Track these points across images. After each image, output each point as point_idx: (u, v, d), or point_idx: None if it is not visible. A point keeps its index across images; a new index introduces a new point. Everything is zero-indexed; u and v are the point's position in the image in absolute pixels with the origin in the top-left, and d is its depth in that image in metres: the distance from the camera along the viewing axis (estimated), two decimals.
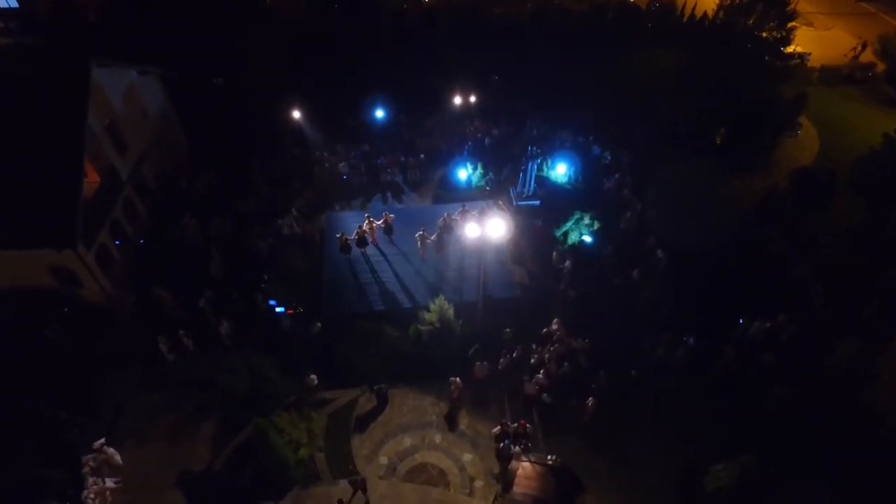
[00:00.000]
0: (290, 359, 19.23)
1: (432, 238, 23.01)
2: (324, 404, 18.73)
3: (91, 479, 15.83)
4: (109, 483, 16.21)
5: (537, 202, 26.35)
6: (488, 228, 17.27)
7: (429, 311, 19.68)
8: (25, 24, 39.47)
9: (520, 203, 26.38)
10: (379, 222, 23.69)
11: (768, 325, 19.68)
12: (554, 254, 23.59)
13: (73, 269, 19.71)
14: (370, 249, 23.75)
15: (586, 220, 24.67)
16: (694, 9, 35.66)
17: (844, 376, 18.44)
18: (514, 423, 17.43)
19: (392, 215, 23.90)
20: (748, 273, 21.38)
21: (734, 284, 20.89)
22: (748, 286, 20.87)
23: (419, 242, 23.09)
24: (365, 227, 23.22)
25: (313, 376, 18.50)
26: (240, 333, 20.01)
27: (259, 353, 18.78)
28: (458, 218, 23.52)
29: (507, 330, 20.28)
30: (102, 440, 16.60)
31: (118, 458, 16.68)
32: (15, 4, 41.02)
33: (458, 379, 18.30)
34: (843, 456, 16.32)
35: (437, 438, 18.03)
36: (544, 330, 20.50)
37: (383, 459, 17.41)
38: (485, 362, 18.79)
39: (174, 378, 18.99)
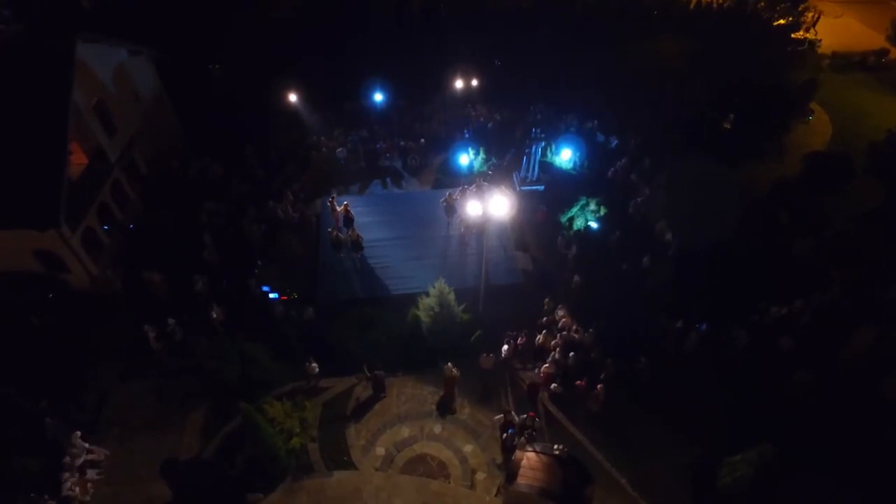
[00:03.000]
0: (283, 346, 18.46)
1: (475, 226, 22.08)
2: (318, 393, 17.90)
3: (68, 473, 14.98)
4: (91, 474, 15.41)
5: (541, 187, 25.53)
6: (490, 206, 16.42)
7: (428, 295, 18.82)
8: (20, 11, 38.87)
9: (523, 188, 25.55)
10: (339, 209, 22.87)
11: (784, 311, 18.82)
12: (559, 240, 22.76)
13: (58, 252, 18.95)
14: (372, 234, 23.05)
15: (592, 206, 23.86)
16: None
17: (863, 364, 17.58)
18: (522, 415, 16.58)
19: (351, 211, 22.93)
20: (762, 259, 20.51)
21: (747, 270, 20.03)
22: (762, 272, 20.01)
23: (462, 228, 22.72)
24: (328, 204, 23.25)
25: (315, 364, 17.67)
26: (231, 320, 19.18)
27: (251, 340, 18.00)
28: (458, 197, 22.74)
29: (547, 300, 19.94)
30: (87, 445, 15.81)
31: (104, 453, 15.96)
32: None
33: (450, 364, 17.39)
34: (862, 446, 15.55)
35: (437, 429, 17.17)
36: (545, 318, 19.65)
37: (380, 450, 16.56)
38: (491, 354, 17.92)
39: (162, 365, 18.15)
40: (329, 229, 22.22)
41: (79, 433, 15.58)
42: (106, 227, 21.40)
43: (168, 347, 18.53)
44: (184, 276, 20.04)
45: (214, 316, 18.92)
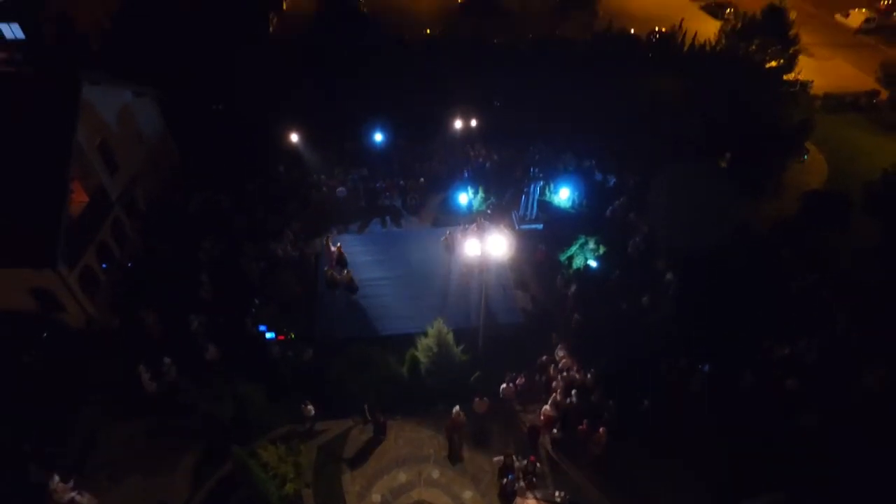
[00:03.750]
0: (279, 386, 18.14)
1: (476, 265, 21.74)
2: (314, 436, 17.49)
3: None
4: None
5: (540, 226, 25.59)
6: (489, 245, 16.39)
7: (426, 335, 18.59)
8: (30, 54, 40.04)
9: (522, 227, 25.60)
10: (333, 249, 22.95)
11: (787, 350, 18.59)
12: (558, 278, 22.68)
13: (55, 291, 18.80)
14: (371, 272, 23.08)
15: (591, 245, 23.92)
16: (695, 38, 35.58)
17: (874, 404, 17.23)
18: (522, 460, 16.11)
19: (344, 252, 22.90)
20: (764, 296, 20.40)
21: (750, 308, 19.89)
22: (765, 310, 19.87)
23: (464, 267, 22.76)
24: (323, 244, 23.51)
25: (310, 406, 17.31)
26: (227, 359, 18.87)
27: (246, 380, 17.67)
28: (460, 236, 22.78)
29: (554, 334, 19.84)
30: (71, 483, 15.27)
31: (94, 502, 15.42)
32: (21, 36, 41.72)
33: (458, 408, 16.96)
34: (876, 490, 15.01)
35: (435, 474, 16.69)
36: (544, 357, 19.33)
37: (376, 497, 16.03)
38: (485, 398, 17.60)
39: (154, 406, 17.73)
40: (325, 268, 22.26)
41: (57, 478, 15.06)
42: (104, 266, 21.33)
43: (161, 387, 18.20)
44: (180, 314, 19.86)
45: (209, 356, 18.65)
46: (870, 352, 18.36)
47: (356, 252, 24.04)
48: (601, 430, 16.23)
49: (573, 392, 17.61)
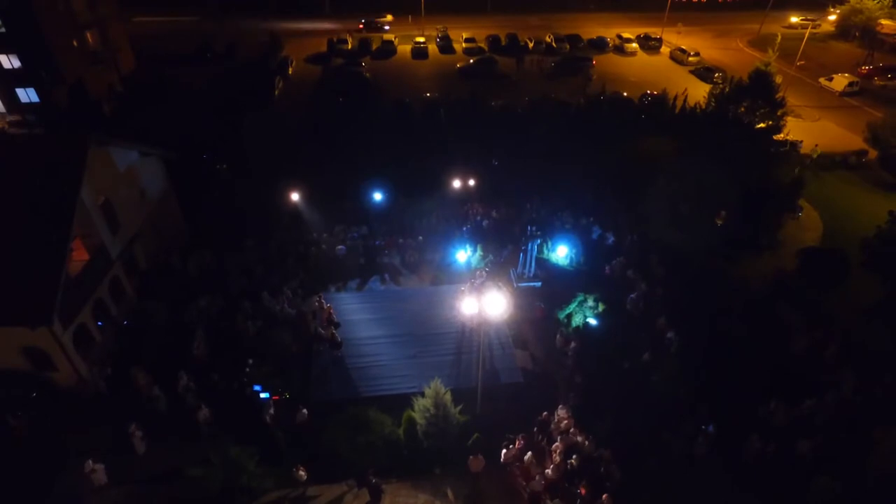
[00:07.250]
0: (272, 449, 17.57)
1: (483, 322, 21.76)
2: (306, 501, 16.76)
3: None
4: None
5: (538, 284, 25.55)
6: (486, 305, 16.29)
7: (424, 396, 18.18)
8: (42, 117, 41.50)
9: (521, 285, 25.56)
10: (326, 307, 23.01)
11: (795, 412, 18.11)
12: (558, 337, 22.41)
13: (48, 350, 18.52)
14: (368, 331, 22.85)
15: (590, 302, 23.80)
16: (685, 100, 36.83)
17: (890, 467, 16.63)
18: None
19: (334, 315, 22.95)
20: (767, 354, 20.10)
21: (752, 367, 19.55)
22: (768, 368, 19.52)
23: (475, 324, 22.22)
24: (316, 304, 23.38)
25: (302, 471, 16.73)
26: (218, 420, 18.38)
27: (237, 443, 17.11)
28: (468, 291, 22.71)
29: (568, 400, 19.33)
30: None
31: None
32: (36, 99, 43.37)
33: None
34: None
35: None
36: (545, 413, 18.76)
37: None
38: (480, 455, 17.05)
39: (139, 471, 17.10)
40: (311, 319, 22.36)
41: None
42: (100, 324, 21.15)
43: (151, 450, 17.63)
44: (172, 374, 19.50)
45: (201, 417, 18.18)
46: (882, 414, 17.88)
47: (355, 310, 23.98)
48: (604, 496, 15.56)
49: (574, 455, 17.00)
